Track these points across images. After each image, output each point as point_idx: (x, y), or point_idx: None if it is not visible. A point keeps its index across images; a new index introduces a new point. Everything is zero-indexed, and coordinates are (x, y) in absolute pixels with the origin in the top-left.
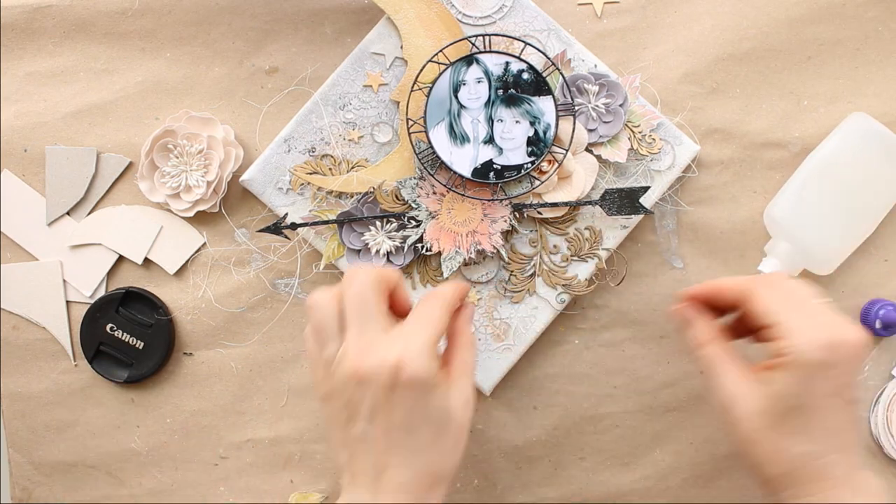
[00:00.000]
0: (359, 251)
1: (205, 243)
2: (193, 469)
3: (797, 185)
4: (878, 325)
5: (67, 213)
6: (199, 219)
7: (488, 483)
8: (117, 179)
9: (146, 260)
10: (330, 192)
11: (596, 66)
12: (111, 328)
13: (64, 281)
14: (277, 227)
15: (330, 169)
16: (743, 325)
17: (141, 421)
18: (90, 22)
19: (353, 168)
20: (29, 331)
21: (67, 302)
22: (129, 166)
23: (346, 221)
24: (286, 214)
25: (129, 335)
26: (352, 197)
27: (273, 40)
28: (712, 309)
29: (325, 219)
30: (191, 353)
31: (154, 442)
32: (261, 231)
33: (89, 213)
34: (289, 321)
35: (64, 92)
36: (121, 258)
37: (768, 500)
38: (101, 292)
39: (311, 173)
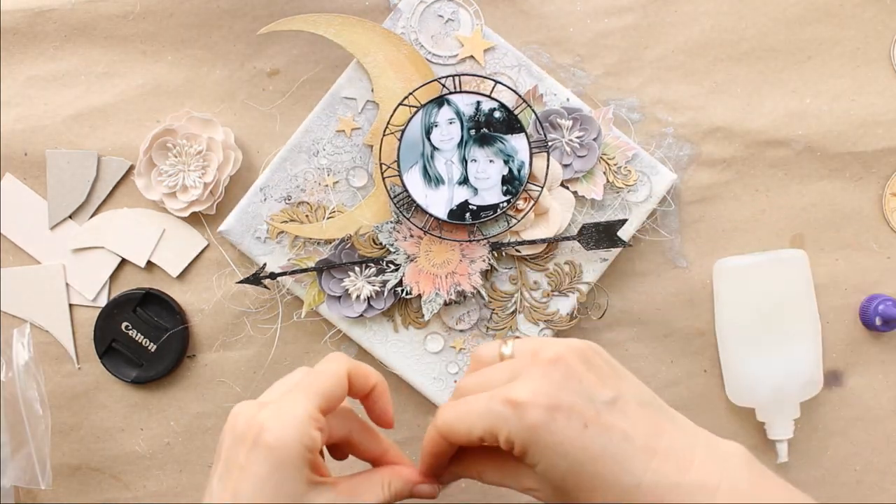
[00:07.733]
0: (339, 297)
1: (208, 245)
2: (198, 472)
3: (728, 357)
4: (878, 321)
5: (69, 217)
6: (201, 221)
7: None
8: (119, 182)
9: (149, 263)
10: (308, 239)
11: (568, 99)
12: (126, 326)
13: (67, 284)
14: (257, 278)
15: (307, 216)
16: None
17: (145, 424)
18: (91, 25)
19: (329, 214)
20: (32, 334)
21: (70, 305)
22: (131, 169)
23: (324, 269)
24: (265, 264)
25: (143, 336)
26: (330, 243)
27: (274, 42)
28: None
29: (304, 266)
30: (193, 356)
31: (158, 444)
32: (240, 283)
33: (91, 217)
34: (292, 323)
35: (65, 95)
36: (124, 261)
37: None
38: (104, 295)
39: (287, 221)
